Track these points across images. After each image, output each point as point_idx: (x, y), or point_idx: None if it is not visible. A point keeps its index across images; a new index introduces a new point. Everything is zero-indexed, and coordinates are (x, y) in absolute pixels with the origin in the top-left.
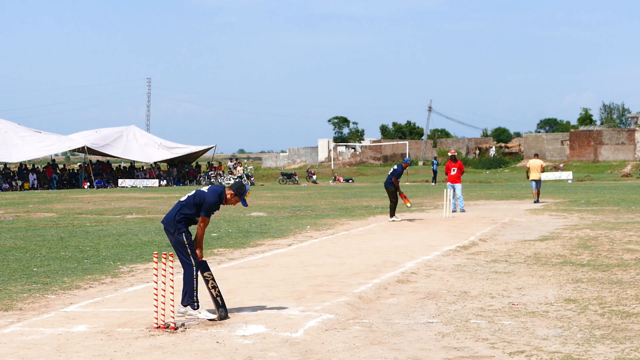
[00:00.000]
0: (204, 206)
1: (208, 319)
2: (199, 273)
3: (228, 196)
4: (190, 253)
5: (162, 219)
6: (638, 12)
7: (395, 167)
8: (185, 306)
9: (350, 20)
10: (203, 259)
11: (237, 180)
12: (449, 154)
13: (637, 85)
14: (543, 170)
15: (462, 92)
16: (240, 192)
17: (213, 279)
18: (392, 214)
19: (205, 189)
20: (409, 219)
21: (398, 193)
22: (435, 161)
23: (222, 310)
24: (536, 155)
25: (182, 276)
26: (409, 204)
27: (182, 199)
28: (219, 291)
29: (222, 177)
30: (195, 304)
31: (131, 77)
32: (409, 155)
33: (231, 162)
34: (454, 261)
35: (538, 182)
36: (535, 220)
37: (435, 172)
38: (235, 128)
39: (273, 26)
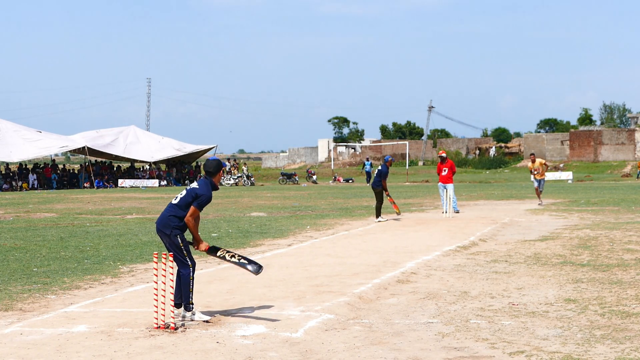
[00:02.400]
0: (199, 199)
1: (203, 321)
2: (195, 274)
3: (215, 181)
4: (186, 254)
5: (157, 224)
6: (638, 13)
7: (380, 167)
8: (178, 308)
9: (350, 20)
10: (209, 246)
11: (211, 161)
12: (439, 155)
13: (637, 85)
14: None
15: (462, 92)
16: (219, 168)
17: (227, 250)
18: (378, 215)
19: (194, 185)
20: (394, 218)
21: (387, 196)
22: (367, 162)
23: (254, 265)
24: (533, 155)
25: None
26: (398, 212)
27: (174, 201)
28: (239, 255)
29: (223, 178)
30: (190, 305)
31: (131, 77)
32: (409, 156)
33: (229, 162)
34: (454, 261)
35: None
36: (535, 220)
37: (367, 174)
38: (235, 128)
39: (273, 26)
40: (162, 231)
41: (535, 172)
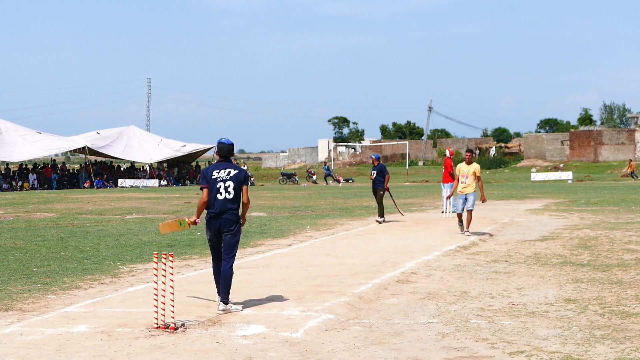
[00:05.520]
0: (247, 177)
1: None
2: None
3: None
4: (236, 251)
5: (223, 218)
6: (639, 13)
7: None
8: (226, 304)
9: (350, 21)
10: None
11: (225, 145)
12: (447, 150)
13: (637, 85)
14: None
15: (462, 92)
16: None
17: None
18: (382, 214)
19: (234, 170)
20: (393, 220)
21: (394, 202)
22: (325, 167)
23: None
24: (470, 154)
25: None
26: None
27: (229, 196)
28: None
29: None
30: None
31: (131, 77)
32: (409, 156)
33: None
34: (454, 261)
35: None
36: (535, 220)
37: (329, 175)
38: (235, 128)
39: (273, 27)
40: (229, 228)
41: (463, 183)
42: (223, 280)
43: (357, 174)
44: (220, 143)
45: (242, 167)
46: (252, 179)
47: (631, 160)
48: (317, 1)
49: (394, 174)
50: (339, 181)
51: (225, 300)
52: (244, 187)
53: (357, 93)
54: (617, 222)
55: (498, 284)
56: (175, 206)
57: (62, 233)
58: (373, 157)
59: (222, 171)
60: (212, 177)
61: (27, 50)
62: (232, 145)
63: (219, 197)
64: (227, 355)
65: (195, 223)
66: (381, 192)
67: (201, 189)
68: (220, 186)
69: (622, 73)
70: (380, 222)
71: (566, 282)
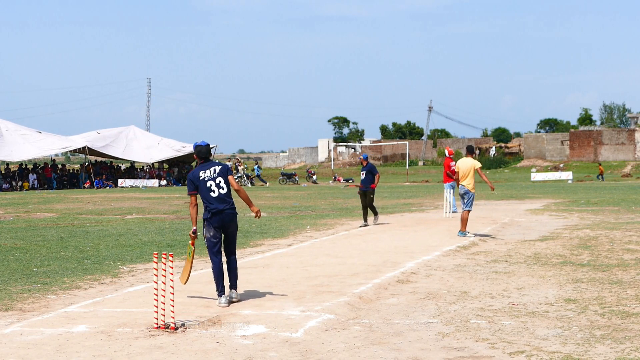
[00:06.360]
0: (230, 169)
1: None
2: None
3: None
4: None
5: (225, 212)
6: (639, 13)
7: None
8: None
9: (350, 21)
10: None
11: (202, 147)
12: (446, 149)
13: (637, 85)
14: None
15: (462, 92)
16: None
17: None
18: (374, 215)
19: (216, 167)
20: (384, 221)
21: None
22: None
23: None
24: (470, 152)
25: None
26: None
27: (222, 191)
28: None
29: None
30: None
31: (131, 77)
32: (409, 156)
33: (230, 161)
34: (454, 261)
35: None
36: (535, 220)
37: (257, 176)
38: (235, 128)
39: (273, 27)
40: (233, 221)
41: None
42: (235, 272)
43: (357, 174)
44: (197, 146)
45: (241, 166)
46: (252, 178)
47: (600, 164)
48: (317, 1)
49: (394, 174)
50: (339, 181)
51: (235, 288)
52: (229, 177)
53: (357, 93)
54: (617, 222)
55: (498, 284)
56: (175, 206)
57: (62, 233)
58: (362, 157)
59: (208, 171)
60: (201, 179)
61: (27, 50)
62: (208, 145)
63: (213, 195)
64: (227, 355)
65: (195, 232)
66: (372, 196)
67: (189, 194)
68: (211, 185)
69: (622, 73)
70: (377, 224)
71: (566, 282)
